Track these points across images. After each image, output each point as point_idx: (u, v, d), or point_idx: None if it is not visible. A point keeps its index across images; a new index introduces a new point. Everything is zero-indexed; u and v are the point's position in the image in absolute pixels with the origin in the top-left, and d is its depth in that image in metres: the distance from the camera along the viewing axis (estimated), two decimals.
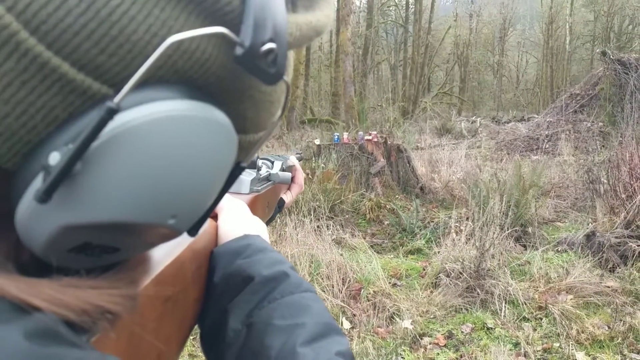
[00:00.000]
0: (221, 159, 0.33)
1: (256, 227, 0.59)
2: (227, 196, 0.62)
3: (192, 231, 0.37)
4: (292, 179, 1.01)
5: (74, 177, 0.27)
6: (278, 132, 13.36)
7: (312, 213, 4.51)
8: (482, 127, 13.72)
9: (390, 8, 26.10)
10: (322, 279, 3.40)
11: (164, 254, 0.44)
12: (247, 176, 0.71)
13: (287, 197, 0.99)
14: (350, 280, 3.46)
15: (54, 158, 0.26)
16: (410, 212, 5.10)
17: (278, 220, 4.50)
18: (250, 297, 0.48)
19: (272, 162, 0.86)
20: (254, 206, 0.71)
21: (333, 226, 4.55)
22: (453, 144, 10.39)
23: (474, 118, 16.79)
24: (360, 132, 6.44)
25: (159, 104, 0.28)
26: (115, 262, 0.35)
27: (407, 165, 6.15)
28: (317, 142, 6.38)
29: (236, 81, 0.32)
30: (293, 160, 1.00)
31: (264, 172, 0.79)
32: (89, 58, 0.26)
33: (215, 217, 0.59)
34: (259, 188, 0.74)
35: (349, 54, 13.61)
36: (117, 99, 0.26)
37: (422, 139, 10.81)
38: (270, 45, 0.28)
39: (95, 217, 0.28)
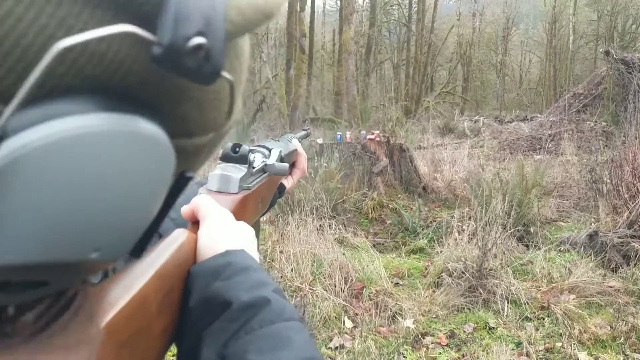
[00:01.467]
0: (151, 176, 0.29)
1: (241, 239, 0.53)
2: (211, 202, 0.56)
3: (135, 252, 0.34)
4: (294, 163, 0.95)
5: None
6: (281, 131, 13.37)
7: (314, 212, 4.51)
8: (485, 127, 13.70)
9: (393, 7, 26.08)
10: (325, 278, 3.40)
11: (122, 289, 0.38)
12: (236, 173, 0.66)
13: (289, 182, 0.93)
14: (352, 280, 3.46)
15: None
16: (412, 212, 5.10)
17: (280, 220, 4.50)
18: (226, 326, 0.43)
19: (270, 150, 0.80)
20: (244, 205, 0.66)
21: (335, 225, 4.55)
22: (456, 143, 10.38)
23: (476, 117, 16.76)
24: (363, 131, 6.43)
25: (63, 122, 0.23)
26: (50, 293, 0.31)
27: (410, 164, 6.14)
28: (320, 141, 6.38)
29: (168, 83, 0.28)
30: (295, 143, 0.94)
31: (258, 163, 0.73)
32: None
33: (196, 225, 0.54)
34: (250, 185, 0.69)
35: (352, 53, 13.60)
36: (1, 121, 0.21)
37: (424, 138, 10.79)
38: (198, 39, 0.24)
39: None
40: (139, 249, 0.34)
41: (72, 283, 0.33)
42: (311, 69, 19.90)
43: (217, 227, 0.53)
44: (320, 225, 4.27)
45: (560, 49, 26.23)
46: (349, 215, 5.06)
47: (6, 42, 0.21)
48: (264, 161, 0.75)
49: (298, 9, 15.46)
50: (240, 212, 0.63)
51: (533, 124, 11.61)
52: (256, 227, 0.74)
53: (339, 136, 6.27)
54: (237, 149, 0.68)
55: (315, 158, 5.85)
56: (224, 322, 0.44)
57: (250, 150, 0.70)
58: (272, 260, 3.72)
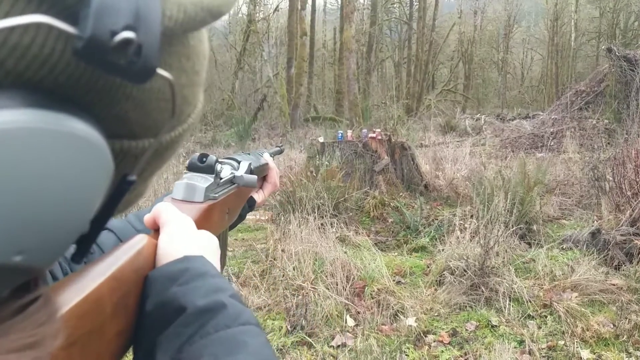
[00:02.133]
0: (82, 178, 0.27)
1: (201, 246, 0.52)
2: (172, 209, 0.56)
3: (76, 257, 0.32)
4: (265, 177, 0.95)
5: None
6: (282, 129, 13.38)
7: (316, 211, 4.51)
8: (487, 125, 13.69)
9: (394, 5, 26.05)
10: (326, 276, 3.40)
11: (76, 289, 0.38)
12: (202, 183, 0.65)
13: (259, 196, 0.93)
14: (354, 278, 3.46)
15: None
16: (414, 210, 5.09)
17: (282, 218, 4.50)
18: (181, 330, 0.43)
19: (239, 163, 0.80)
20: (209, 215, 0.66)
21: (337, 224, 4.55)
22: (457, 141, 10.37)
23: (478, 115, 16.74)
24: (364, 130, 6.42)
25: None
26: None
27: (411, 162, 6.14)
28: (321, 139, 6.38)
29: (99, 79, 0.26)
30: (266, 157, 0.94)
31: (226, 174, 0.73)
32: None
33: (158, 232, 0.53)
34: (217, 195, 0.68)
35: (353, 51, 13.59)
36: None
37: (426, 136, 10.80)
38: (126, 34, 0.22)
39: None
40: (79, 255, 0.32)
41: (4, 287, 0.30)
42: (312, 67, 19.90)
43: (177, 234, 0.53)
44: (321, 224, 4.27)
45: (562, 47, 26.19)
46: (351, 213, 5.06)
47: None
48: (232, 173, 0.75)
49: (299, 7, 15.46)
50: (204, 221, 0.63)
51: (535, 121, 11.59)
52: (223, 238, 0.74)
53: (340, 135, 6.27)
54: (204, 159, 0.67)
55: (317, 157, 5.85)
56: (178, 327, 0.43)
57: (219, 162, 0.70)
58: (274, 259, 3.72)
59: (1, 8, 0.22)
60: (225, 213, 0.73)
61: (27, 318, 0.32)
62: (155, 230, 0.54)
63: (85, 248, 0.32)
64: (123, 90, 0.27)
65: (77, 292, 0.38)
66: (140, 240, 0.48)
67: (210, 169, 0.68)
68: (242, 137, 11.10)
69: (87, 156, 0.27)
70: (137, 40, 0.23)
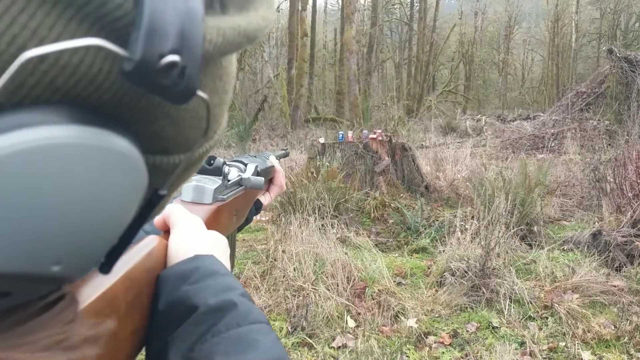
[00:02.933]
0: (119, 192, 0.28)
1: (211, 246, 0.54)
2: (182, 211, 0.57)
3: (104, 268, 0.33)
4: (272, 179, 0.96)
5: None
6: (283, 130, 13.37)
7: (316, 212, 4.51)
8: (487, 126, 13.68)
9: (395, 6, 26.08)
10: (327, 277, 3.40)
11: (92, 287, 0.39)
12: (210, 185, 0.67)
13: (266, 198, 0.94)
14: (354, 279, 3.46)
15: None
16: (415, 211, 5.09)
17: (283, 219, 4.50)
18: (193, 329, 0.44)
19: (246, 165, 0.81)
20: (217, 217, 0.67)
21: (337, 225, 4.55)
22: (458, 142, 10.36)
23: (479, 116, 16.75)
24: (365, 131, 6.42)
25: (30, 131, 0.23)
26: (14, 304, 0.31)
27: (412, 163, 6.13)
28: (322, 140, 6.37)
29: (141, 98, 0.27)
30: (272, 160, 0.95)
31: (234, 176, 0.74)
32: None
33: (168, 233, 0.54)
34: (225, 197, 0.69)
35: (354, 52, 13.60)
36: None
37: (426, 137, 10.80)
38: (172, 57, 0.23)
39: None
40: (107, 265, 0.33)
41: (36, 294, 0.32)
42: (313, 68, 19.90)
43: (188, 234, 0.54)
44: (322, 225, 4.27)
45: (562, 48, 26.19)
46: (351, 214, 5.05)
47: None
48: (239, 175, 0.76)
49: (300, 8, 15.46)
50: (213, 222, 0.63)
51: (536, 122, 11.59)
52: (232, 240, 0.75)
53: (341, 135, 6.26)
54: (212, 161, 0.69)
55: (317, 157, 5.85)
56: (190, 325, 0.44)
57: (226, 164, 0.71)
58: (275, 260, 3.71)
59: (54, 30, 0.23)
60: (233, 215, 0.74)
61: (55, 316, 0.33)
62: (165, 231, 0.55)
63: (114, 259, 0.33)
64: (161, 109, 0.29)
65: (93, 290, 0.39)
66: (151, 241, 0.49)
67: (217, 171, 0.69)
68: (242, 137, 11.10)
69: (126, 172, 0.28)
70: (181, 63, 0.24)
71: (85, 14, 0.23)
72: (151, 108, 0.28)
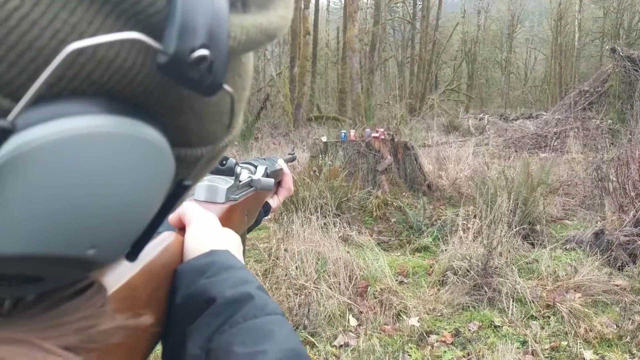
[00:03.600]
0: (150, 181, 0.30)
1: (226, 241, 0.55)
2: (197, 208, 0.59)
3: (131, 256, 0.34)
4: (280, 182, 0.98)
5: None
6: (285, 129, 13.38)
7: (318, 210, 4.51)
8: (490, 125, 13.65)
9: (398, 5, 26.02)
10: (329, 276, 3.40)
11: (114, 278, 0.40)
12: (223, 184, 0.68)
13: (274, 201, 0.96)
14: (357, 278, 3.46)
15: None
16: (417, 210, 5.09)
17: (285, 218, 4.50)
18: (210, 320, 0.45)
19: (256, 167, 0.83)
20: (230, 216, 0.68)
21: (340, 223, 4.55)
22: (460, 141, 10.35)
23: (481, 115, 16.72)
24: (367, 129, 6.41)
25: (69, 121, 0.24)
26: (46, 289, 0.32)
27: (414, 162, 6.13)
28: (324, 139, 6.37)
29: (170, 91, 0.28)
30: (281, 163, 0.97)
31: (245, 178, 0.76)
32: None
33: (183, 230, 0.56)
34: (237, 197, 0.71)
35: (356, 50, 13.58)
36: (10, 116, 0.23)
37: (429, 136, 10.77)
38: (202, 52, 0.25)
39: None
40: (134, 253, 0.34)
41: (68, 280, 0.33)
42: (315, 66, 19.88)
43: (203, 230, 0.55)
44: (324, 224, 4.27)
45: (565, 47, 26.12)
46: (354, 213, 5.05)
47: (20, 44, 0.23)
48: (250, 176, 0.77)
49: (302, 6, 15.45)
50: (226, 221, 0.64)
51: (538, 121, 11.56)
52: (242, 240, 0.76)
53: (343, 134, 6.26)
54: (224, 162, 0.70)
55: (320, 156, 5.85)
56: (208, 317, 0.45)
57: (238, 165, 0.73)
58: (277, 258, 3.72)
59: (92, 25, 0.24)
60: (244, 214, 0.75)
61: (86, 301, 0.35)
62: (180, 228, 0.57)
63: (140, 248, 0.34)
64: (187, 102, 0.30)
65: (115, 281, 0.40)
66: (167, 237, 0.51)
67: (230, 172, 0.70)
68: (245, 136, 11.10)
69: (157, 161, 0.29)
70: (210, 58, 0.25)
71: (121, 11, 0.24)
72: (178, 101, 0.29)
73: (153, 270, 0.46)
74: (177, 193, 0.34)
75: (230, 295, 0.46)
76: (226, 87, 0.29)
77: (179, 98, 0.29)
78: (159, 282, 0.47)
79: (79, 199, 0.26)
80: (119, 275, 0.41)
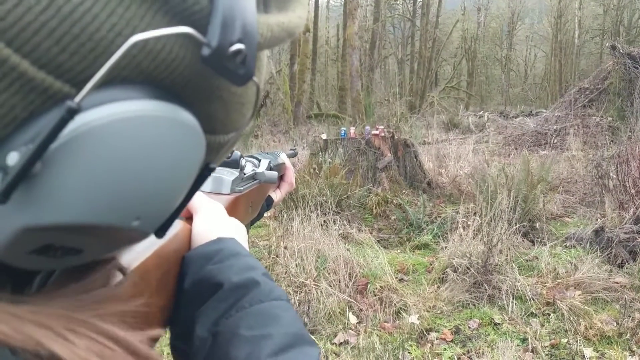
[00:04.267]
0: (188, 161, 0.33)
1: (232, 230, 0.57)
2: (204, 197, 0.61)
3: (160, 233, 0.37)
4: (282, 177, 0.99)
5: (33, 178, 0.26)
6: (285, 126, 13.36)
7: (318, 208, 4.50)
8: (490, 122, 13.64)
9: (398, 2, 25.98)
10: (329, 273, 3.40)
11: (127, 261, 0.43)
12: (228, 176, 0.70)
13: (277, 195, 0.97)
14: (356, 275, 3.46)
15: (13, 158, 0.25)
16: (417, 207, 5.08)
17: (285, 215, 4.50)
18: (217, 305, 0.47)
19: (259, 161, 0.85)
20: (235, 207, 0.70)
21: (340, 221, 4.54)
22: (460, 138, 10.34)
23: (481, 113, 16.70)
24: (367, 127, 6.41)
25: (122, 104, 0.27)
26: (81, 263, 0.34)
27: (414, 160, 6.12)
28: (324, 136, 6.36)
29: (204, 82, 0.31)
30: (283, 157, 0.98)
31: (249, 170, 0.78)
32: (49, 56, 0.25)
33: (190, 219, 0.57)
34: (242, 188, 0.73)
35: (356, 48, 13.56)
36: (77, 98, 0.25)
37: (429, 133, 10.77)
38: (238, 45, 0.28)
39: (56, 218, 0.27)
40: (162, 230, 0.37)
41: (104, 253, 0.36)
42: (315, 64, 19.86)
43: (210, 218, 0.57)
44: (324, 221, 4.26)
45: (565, 44, 26.10)
46: (354, 211, 5.05)
47: (82, 35, 0.25)
48: (254, 169, 0.79)
49: None
50: (231, 211, 0.65)
51: (538, 119, 11.54)
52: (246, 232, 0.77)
53: (343, 132, 6.25)
54: (230, 154, 0.71)
55: (320, 154, 5.84)
56: (215, 302, 0.47)
57: (243, 157, 0.75)
58: (277, 256, 3.72)
59: (144, 20, 0.27)
60: (249, 206, 0.77)
61: (114, 289, 0.37)
62: (187, 217, 0.58)
63: (169, 225, 0.36)
64: (217, 92, 0.33)
65: (129, 263, 0.42)
66: (176, 225, 0.52)
67: (235, 164, 0.72)
68: (245, 134, 11.11)
69: (193, 142, 0.32)
70: (244, 51, 0.28)
71: (169, 8, 0.27)
72: (210, 90, 0.32)
73: (163, 255, 0.48)
74: (203, 175, 0.37)
75: (237, 281, 0.48)
76: (255, 78, 0.31)
77: (211, 88, 0.32)
78: (169, 267, 0.49)
79: (130, 173, 0.29)
80: (132, 259, 0.43)
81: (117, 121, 0.27)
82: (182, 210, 0.37)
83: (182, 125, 0.30)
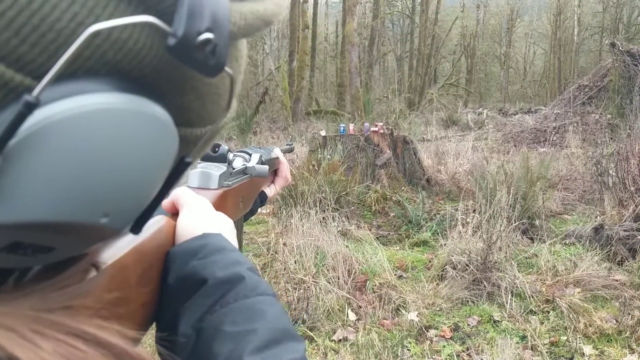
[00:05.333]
0: (158, 154, 0.32)
1: (218, 225, 0.56)
2: (190, 193, 0.60)
3: (135, 229, 0.36)
4: (276, 171, 0.98)
5: None
6: (284, 123, 13.35)
7: (317, 205, 4.49)
8: (489, 119, 13.65)
9: None
10: (328, 270, 3.39)
11: (104, 258, 0.42)
12: (216, 171, 0.69)
13: (271, 190, 0.96)
14: (355, 272, 3.45)
15: None
16: (416, 204, 5.07)
17: (284, 212, 4.49)
18: (202, 301, 0.46)
19: (250, 155, 0.84)
20: (223, 201, 0.69)
21: (339, 218, 4.54)
22: (459, 135, 10.34)
23: (480, 110, 16.70)
24: (366, 124, 6.40)
25: (84, 97, 0.26)
26: (54, 261, 0.34)
27: (413, 157, 6.11)
28: (323, 133, 6.35)
29: (175, 72, 0.30)
30: (277, 152, 0.97)
31: (238, 165, 0.77)
32: (8, 48, 0.24)
33: (176, 215, 0.57)
34: (230, 183, 0.72)
35: (355, 44, 13.54)
36: (35, 91, 0.24)
37: (428, 130, 10.76)
38: (207, 35, 0.27)
39: (18, 217, 0.27)
40: (138, 226, 0.36)
41: (76, 251, 0.35)
42: (314, 61, 19.81)
43: (196, 214, 0.56)
44: (323, 218, 4.26)
45: (565, 41, 26.08)
46: (352, 207, 5.04)
47: (42, 25, 0.24)
48: (244, 164, 0.79)
49: (301, 0, 15.39)
50: (219, 206, 0.65)
51: (537, 116, 11.55)
52: (238, 227, 0.76)
53: (342, 128, 6.24)
54: (217, 149, 0.71)
55: (319, 150, 5.83)
56: (199, 297, 0.47)
57: (230, 151, 0.74)
58: (275, 253, 3.71)
59: (107, 9, 0.26)
60: (239, 201, 0.76)
61: (89, 283, 0.37)
62: (173, 213, 0.58)
63: (144, 221, 0.36)
64: (190, 83, 0.32)
65: (106, 258, 0.42)
66: (159, 220, 0.52)
67: (222, 158, 0.71)
68: (243, 130, 11.06)
69: (163, 136, 0.31)
70: (214, 41, 0.27)
71: None
72: (182, 82, 0.31)
73: (144, 250, 0.47)
74: (179, 169, 0.36)
75: (222, 276, 0.47)
76: (227, 69, 0.30)
77: (183, 79, 0.31)
78: (152, 263, 0.48)
79: (95, 168, 0.28)
80: (109, 255, 0.42)
81: (79, 115, 0.26)
82: (157, 206, 0.36)
83: (150, 118, 0.29)
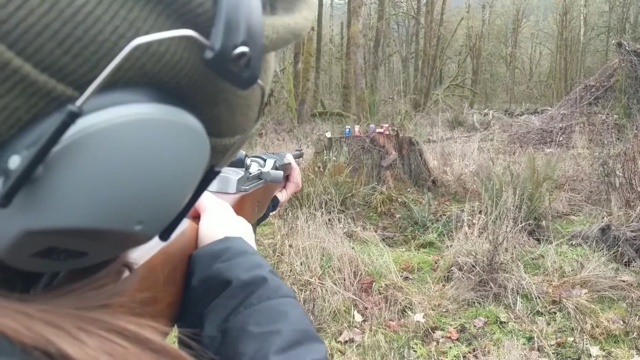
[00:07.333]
0: (191, 164, 0.33)
1: (239, 229, 0.58)
2: (211, 197, 0.62)
3: (164, 236, 0.37)
4: (288, 177, 1.00)
5: (35, 182, 0.26)
6: (289, 125, 13.36)
7: (323, 206, 4.50)
8: (495, 120, 13.60)
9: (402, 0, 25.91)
10: (334, 272, 3.40)
11: (134, 258, 0.43)
12: (234, 175, 0.70)
13: (283, 195, 0.97)
14: (361, 274, 3.45)
15: (14, 162, 0.25)
16: (422, 206, 5.07)
17: (290, 214, 4.50)
18: (226, 302, 0.48)
19: (265, 160, 0.85)
20: (241, 206, 0.70)
21: (344, 219, 4.54)
22: (465, 136, 10.32)
23: (486, 111, 16.65)
24: (372, 125, 6.40)
25: (125, 108, 0.27)
26: (85, 266, 0.35)
27: (419, 158, 6.11)
28: (328, 135, 6.36)
29: (209, 84, 0.31)
30: (289, 158, 0.98)
31: (254, 170, 0.78)
32: (52, 59, 0.25)
33: (197, 219, 0.58)
34: (247, 187, 0.73)
35: (360, 46, 13.53)
36: (79, 102, 0.25)
37: (433, 131, 10.73)
38: (242, 48, 0.28)
39: (57, 222, 0.27)
40: (167, 233, 0.37)
41: (108, 256, 0.36)
42: (319, 62, 19.84)
43: (217, 217, 0.58)
44: (329, 219, 4.26)
45: (571, 41, 25.98)
46: (358, 209, 5.05)
47: (85, 38, 0.25)
48: (259, 169, 0.80)
49: None
50: (238, 210, 0.66)
51: (544, 117, 11.50)
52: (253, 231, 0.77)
53: (348, 130, 6.25)
54: None
55: (324, 152, 5.84)
56: (224, 299, 0.48)
57: (248, 157, 0.75)
58: (282, 254, 3.72)
59: (147, 23, 0.27)
60: (255, 205, 0.77)
61: (123, 283, 0.38)
62: (194, 217, 0.59)
63: (173, 228, 0.37)
64: (223, 95, 0.33)
65: (136, 259, 0.42)
66: (182, 223, 0.53)
67: (240, 163, 0.72)
68: (250, 135, 11.10)
69: (197, 146, 0.32)
70: (249, 54, 0.28)
71: (173, 10, 0.27)
72: (215, 94, 0.32)
73: (171, 252, 0.48)
74: (208, 178, 0.37)
75: (245, 278, 0.49)
76: (260, 81, 0.31)
77: (216, 91, 0.32)
78: (176, 264, 0.49)
79: (132, 177, 0.29)
80: (138, 256, 0.43)
81: (119, 125, 0.27)
82: (187, 213, 0.37)
83: (185, 128, 0.30)
